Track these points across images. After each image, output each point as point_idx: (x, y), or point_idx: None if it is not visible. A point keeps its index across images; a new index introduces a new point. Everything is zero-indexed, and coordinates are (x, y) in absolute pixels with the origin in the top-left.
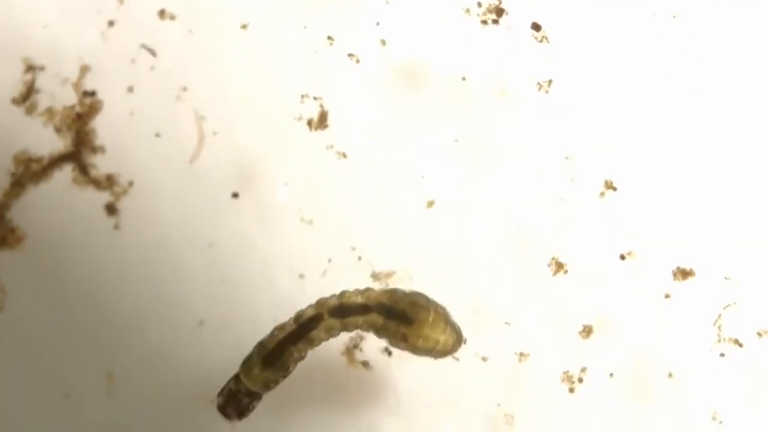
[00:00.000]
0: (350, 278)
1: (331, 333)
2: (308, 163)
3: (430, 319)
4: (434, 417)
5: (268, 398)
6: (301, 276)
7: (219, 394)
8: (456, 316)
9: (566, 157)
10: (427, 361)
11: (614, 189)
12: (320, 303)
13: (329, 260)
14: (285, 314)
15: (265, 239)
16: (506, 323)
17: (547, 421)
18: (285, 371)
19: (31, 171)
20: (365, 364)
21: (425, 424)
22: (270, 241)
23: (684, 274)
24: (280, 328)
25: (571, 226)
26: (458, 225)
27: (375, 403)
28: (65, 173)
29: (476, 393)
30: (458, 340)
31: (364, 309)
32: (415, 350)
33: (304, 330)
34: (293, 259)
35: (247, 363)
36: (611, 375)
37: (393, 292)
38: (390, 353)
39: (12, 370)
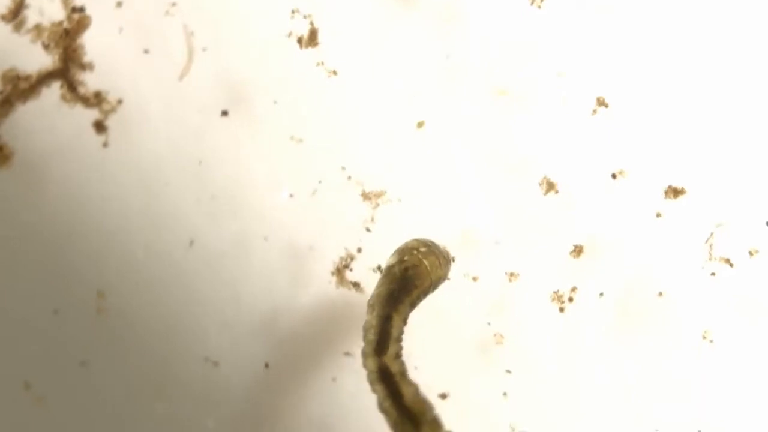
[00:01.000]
0: (340, 198)
1: (399, 355)
2: (298, 81)
3: (429, 267)
4: (424, 336)
5: (258, 320)
6: (291, 195)
7: None
8: (445, 237)
9: (558, 74)
10: None
11: (606, 106)
12: (367, 352)
13: (319, 181)
14: (274, 234)
15: (255, 158)
16: (496, 243)
17: (536, 340)
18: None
19: (19, 89)
20: (356, 285)
21: (415, 344)
22: (260, 159)
23: (675, 192)
24: (384, 399)
25: (563, 144)
26: (448, 145)
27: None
28: (53, 91)
29: (466, 313)
30: (447, 262)
31: (387, 319)
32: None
33: (389, 379)
34: (283, 178)
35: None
36: (601, 294)
37: (390, 275)
38: (381, 269)
39: (1, 287)
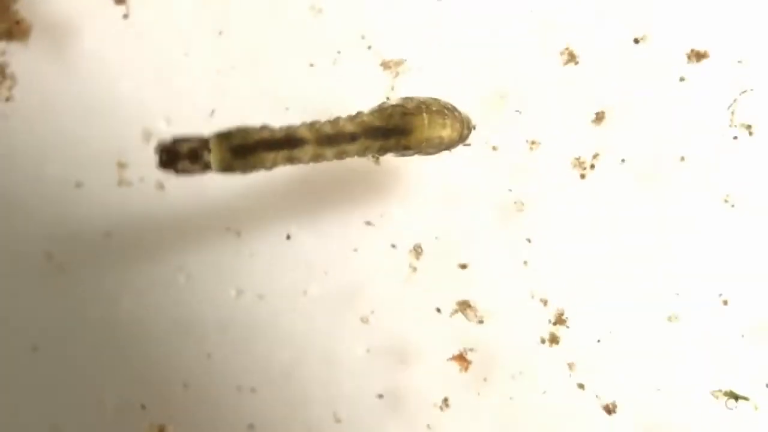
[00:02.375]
0: (360, 67)
1: (319, 159)
2: None
3: (426, 121)
4: (446, 206)
5: (278, 190)
6: (311, 65)
7: (174, 139)
8: (465, 105)
9: None
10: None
11: None
12: (313, 127)
13: (338, 51)
14: (295, 103)
15: (275, 28)
16: (517, 111)
17: (557, 207)
18: (249, 170)
19: None
20: (375, 157)
21: (437, 213)
22: (280, 29)
23: (698, 56)
24: (269, 129)
25: (584, 9)
26: (468, 13)
27: (386, 193)
28: None
29: (487, 181)
30: (463, 126)
31: (351, 138)
32: (426, 152)
33: (287, 145)
34: (303, 48)
35: (219, 139)
36: (623, 161)
37: (381, 111)
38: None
39: (24, 160)
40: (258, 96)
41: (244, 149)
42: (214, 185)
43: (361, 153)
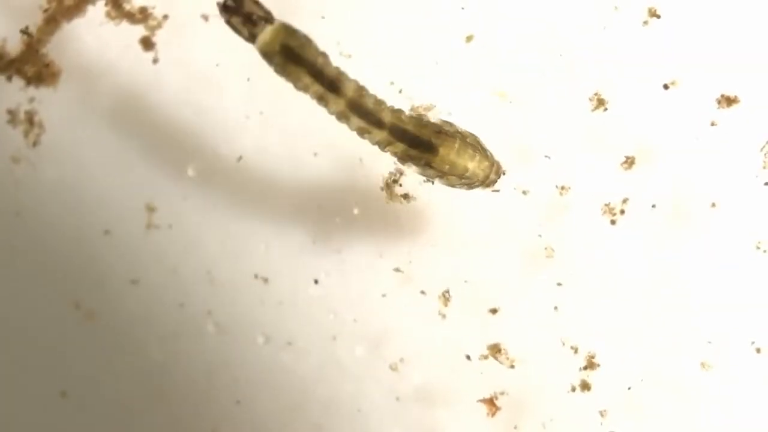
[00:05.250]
0: None
1: (341, 119)
2: None
3: (456, 146)
4: (475, 249)
5: (307, 236)
6: None
7: None
8: (495, 150)
9: None
10: (468, 194)
11: (658, 17)
12: (358, 91)
13: None
14: (323, 149)
15: None
16: (546, 156)
17: (587, 252)
18: (282, 73)
19: (63, 6)
20: (405, 197)
21: (466, 256)
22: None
23: (729, 101)
24: (325, 61)
25: (615, 55)
26: (498, 58)
27: (416, 235)
28: (98, 8)
29: (517, 226)
30: (491, 168)
31: (380, 124)
32: (447, 179)
33: (327, 85)
34: None
35: (279, 29)
36: (653, 206)
37: (419, 120)
38: (432, 182)
39: (51, 208)
40: (286, 142)
41: (292, 55)
42: (240, 232)
43: (382, 146)
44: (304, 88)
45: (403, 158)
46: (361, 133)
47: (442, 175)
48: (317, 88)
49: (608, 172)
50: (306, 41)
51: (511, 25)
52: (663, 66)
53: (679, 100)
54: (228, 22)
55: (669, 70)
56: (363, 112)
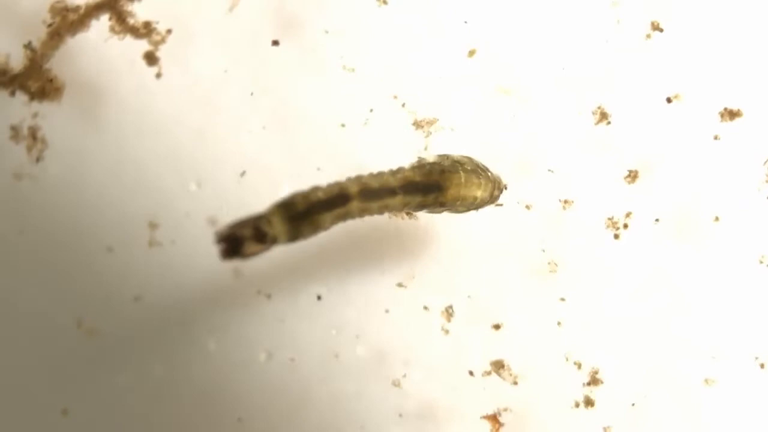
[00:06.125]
0: (392, 127)
1: (363, 214)
2: (349, 10)
3: (462, 180)
4: (478, 264)
5: (310, 251)
6: (343, 125)
7: (232, 226)
8: (498, 165)
9: (612, 3)
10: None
11: (660, 30)
12: (359, 182)
13: (371, 109)
14: (326, 164)
15: (307, 88)
16: (549, 170)
17: (591, 267)
18: (312, 233)
19: (67, 20)
20: (409, 213)
21: (469, 271)
22: (311, 89)
23: (732, 114)
24: (320, 189)
25: (617, 69)
26: (501, 72)
27: (417, 254)
28: (102, 22)
29: (520, 240)
30: (495, 187)
31: (392, 192)
32: (457, 211)
33: (339, 203)
34: (335, 107)
35: (279, 210)
36: (657, 220)
37: (421, 167)
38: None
39: (54, 224)
40: (289, 156)
41: (304, 215)
42: None
43: (401, 208)
44: (331, 222)
45: (417, 208)
46: (382, 210)
47: (452, 207)
48: (335, 213)
49: (611, 185)
50: (297, 197)
51: (514, 40)
52: (666, 79)
53: (682, 113)
54: (246, 256)
55: (672, 83)
56: (374, 194)
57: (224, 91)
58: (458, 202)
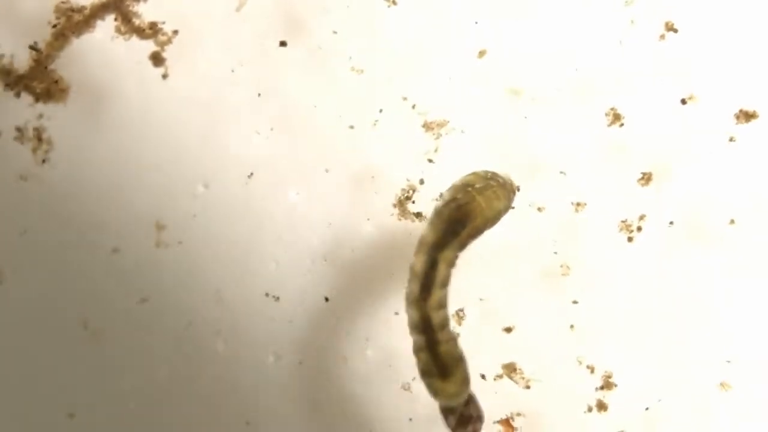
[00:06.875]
0: (402, 129)
1: (443, 302)
2: (358, 11)
3: (483, 203)
4: (490, 267)
5: (319, 253)
6: (351, 127)
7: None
8: (509, 167)
9: (626, 2)
10: None
11: (675, 31)
12: (410, 301)
13: (380, 110)
14: (335, 165)
15: (315, 89)
16: (562, 173)
17: (604, 270)
18: (462, 367)
19: (73, 21)
20: (418, 215)
21: (481, 274)
22: (319, 91)
23: (747, 116)
24: (417, 349)
25: (631, 69)
26: (512, 73)
27: None
28: (108, 23)
29: (532, 243)
30: (510, 190)
31: (433, 265)
32: (490, 228)
33: (431, 333)
34: (343, 109)
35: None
36: (671, 223)
37: (439, 215)
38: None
39: (59, 226)
40: (297, 158)
41: (444, 370)
42: (251, 250)
43: (452, 264)
44: (456, 343)
45: (463, 248)
46: (447, 280)
47: (488, 227)
48: (443, 333)
49: (625, 188)
50: (451, 367)
51: (525, 40)
52: (680, 80)
53: (697, 115)
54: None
55: (686, 84)
56: (426, 287)
57: (231, 92)
58: (489, 224)
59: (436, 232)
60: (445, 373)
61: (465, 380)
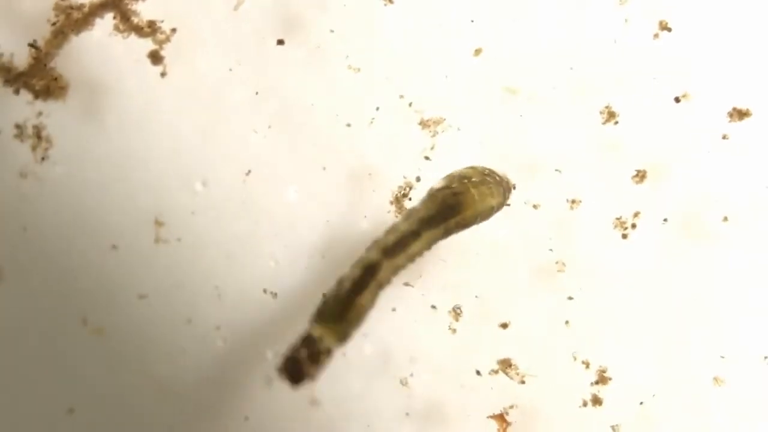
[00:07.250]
0: (398, 127)
1: (398, 271)
2: (354, 9)
3: (476, 195)
4: (486, 264)
5: (316, 250)
6: (348, 125)
7: (287, 356)
8: (505, 165)
9: (620, 1)
10: None
11: (669, 29)
12: (378, 246)
13: (377, 108)
14: (332, 163)
15: (312, 87)
16: (557, 170)
17: (599, 267)
18: (359, 321)
19: (72, 19)
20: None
21: (477, 271)
22: (316, 89)
23: (740, 114)
24: (347, 278)
25: (625, 68)
26: (508, 72)
27: (425, 254)
28: (107, 21)
29: (527, 240)
30: (506, 188)
31: (414, 235)
32: (479, 223)
33: (369, 278)
34: (340, 107)
35: (317, 322)
36: (665, 220)
37: (432, 199)
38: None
39: (59, 223)
40: (295, 155)
41: (342, 312)
42: (249, 247)
43: (429, 245)
44: (372, 301)
45: (446, 236)
46: (412, 257)
47: (476, 222)
48: (371, 290)
49: (619, 185)
50: (330, 299)
51: (521, 39)
52: (674, 79)
53: (691, 113)
54: (314, 376)
55: (680, 83)
56: (397, 247)
57: (229, 91)
58: (479, 218)
59: (428, 211)
60: (339, 318)
61: (346, 335)
